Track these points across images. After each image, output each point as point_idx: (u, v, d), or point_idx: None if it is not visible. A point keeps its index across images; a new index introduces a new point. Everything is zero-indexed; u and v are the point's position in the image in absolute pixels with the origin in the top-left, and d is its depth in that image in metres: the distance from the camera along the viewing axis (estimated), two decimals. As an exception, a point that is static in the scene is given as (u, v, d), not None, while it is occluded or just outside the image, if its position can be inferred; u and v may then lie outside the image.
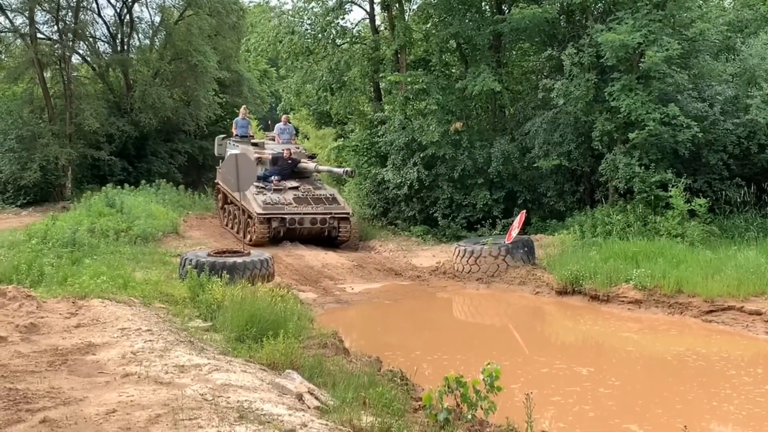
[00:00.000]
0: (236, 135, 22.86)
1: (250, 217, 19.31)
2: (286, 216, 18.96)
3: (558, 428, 6.88)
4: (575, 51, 17.91)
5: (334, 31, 24.80)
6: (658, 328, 12.02)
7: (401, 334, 12.62)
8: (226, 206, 22.41)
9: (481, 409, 6.04)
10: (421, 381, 8.29)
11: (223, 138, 23.99)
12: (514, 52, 23.96)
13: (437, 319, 13.91)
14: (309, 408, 6.04)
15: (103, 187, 23.06)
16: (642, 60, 16.79)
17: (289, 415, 5.41)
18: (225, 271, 11.76)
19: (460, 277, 16.11)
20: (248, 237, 19.34)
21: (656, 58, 16.22)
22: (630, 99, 16.71)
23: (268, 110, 42.09)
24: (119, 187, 24.25)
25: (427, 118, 20.75)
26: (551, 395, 8.56)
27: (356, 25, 26.94)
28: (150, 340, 7.43)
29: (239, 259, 12.94)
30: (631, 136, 16.75)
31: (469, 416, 6.08)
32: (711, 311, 12.06)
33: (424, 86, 20.88)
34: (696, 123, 16.48)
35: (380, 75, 24.03)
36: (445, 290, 15.73)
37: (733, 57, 18.87)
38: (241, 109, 24.72)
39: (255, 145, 21.91)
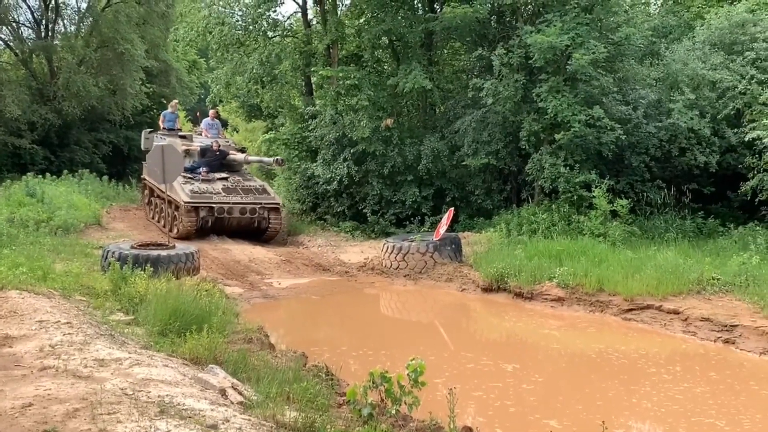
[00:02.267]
0: (164, 128, 22.45)
1: (177, 207, 18.87)
2: (214, 205, 18.57)
3: (478, 423, 6.96)
4: (505, 51, 18.17)
5: (265, 24, 24.60)
6: (579, 326, 12.25)
7: (328, 329, 12.60)
8: (152, 199, 21.94)
9: (405, 404, 6.08)
10: (347, 376, 8.30)
11: (150, 131, 23.51)
12: (446, 51, 24.19)
13: (364, 315, 13.92)
14: (232, 403, 5.98)
15: (24, 176, 22.45)
16: (569, 62, 17.09)
17: (212, 410, 5.35)
18: (149, 264, 11.54)
19: (388, 273, 16.20)
20: (175, 229, 18.95)
21: (583, 60, 16.54)
22: (557, 100, 17.02)
23: (197, 101, 41.52)
24: (40, 176, 23.75)
25: (358, 114, 20.71)
26: (474, 390, 8.66)
27: (288, 18, 26.78)
28: (69, 333, 7.25)
29: (164, 252, 12.76)
30: (557, 136, 17.06)
31: (393, 411, 6.11)
32: (630, 309, 12.33)
33: (356, 82, 20.85)
34: (620, 125, 16.94)
35: (312, 69, 23.93)
36: (372, 286, 15.77)
37: (657, 62, 19.39)
38: (172, 103, 24.27)
39: (183, 137, 21.55)
